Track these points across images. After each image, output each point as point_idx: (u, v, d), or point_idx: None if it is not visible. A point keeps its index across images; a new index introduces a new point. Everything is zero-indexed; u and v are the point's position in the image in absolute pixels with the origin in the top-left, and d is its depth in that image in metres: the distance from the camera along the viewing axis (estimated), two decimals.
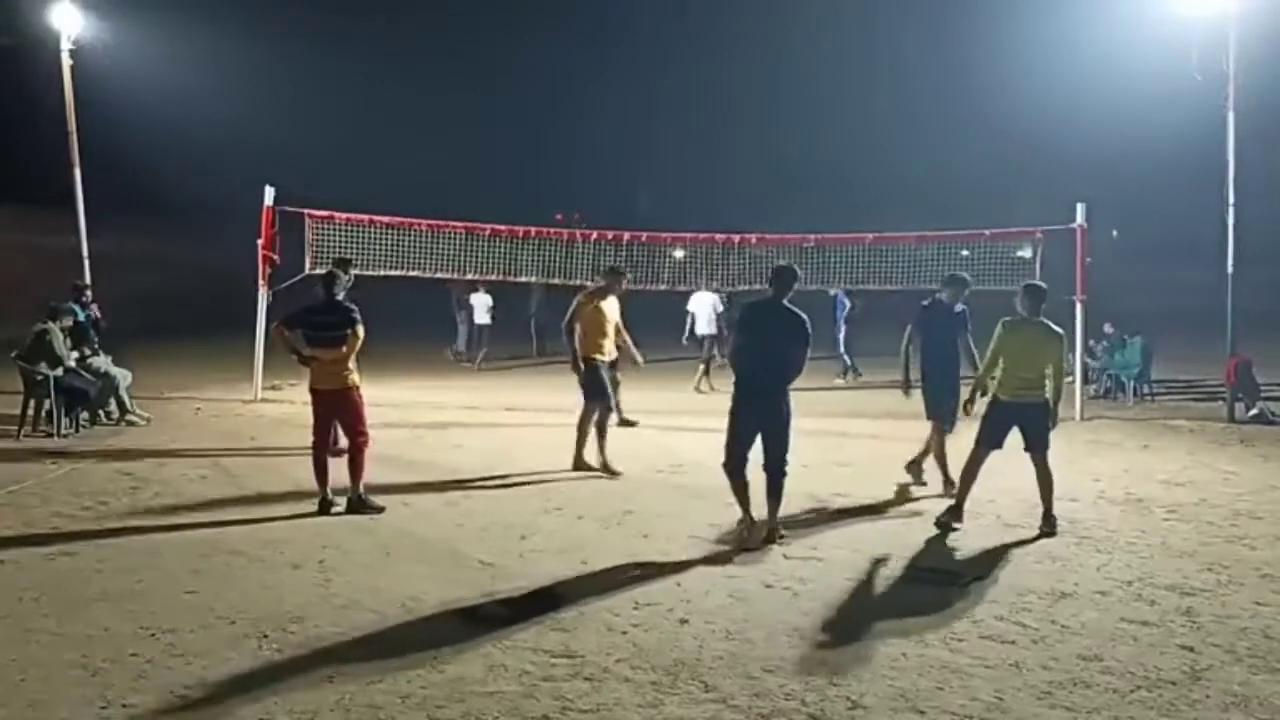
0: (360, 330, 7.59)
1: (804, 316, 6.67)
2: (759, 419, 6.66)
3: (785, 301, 6.75)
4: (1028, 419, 7.08)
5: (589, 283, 17.13)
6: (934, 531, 7.07)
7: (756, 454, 6.75)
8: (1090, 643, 5.01)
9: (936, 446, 8.30)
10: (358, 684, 4.49)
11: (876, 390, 15.53)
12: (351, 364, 7.59)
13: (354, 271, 9.57)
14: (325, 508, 7.43)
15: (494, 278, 15.77)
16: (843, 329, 16.72)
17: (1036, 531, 6.94)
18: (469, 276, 15.55)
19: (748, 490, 6.73)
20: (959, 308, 8.32)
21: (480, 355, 18.94)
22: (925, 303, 8.50)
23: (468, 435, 11.07)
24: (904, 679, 4.55)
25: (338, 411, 7.63)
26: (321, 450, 7.59)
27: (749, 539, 6.63)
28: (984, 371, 7.30)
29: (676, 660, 4.74)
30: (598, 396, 8.83)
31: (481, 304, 18.77)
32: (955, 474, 7.98)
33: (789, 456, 6.70)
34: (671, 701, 4.32)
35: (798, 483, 8.42)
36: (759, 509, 6.76)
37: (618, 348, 9.41)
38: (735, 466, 6.71)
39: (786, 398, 6.66)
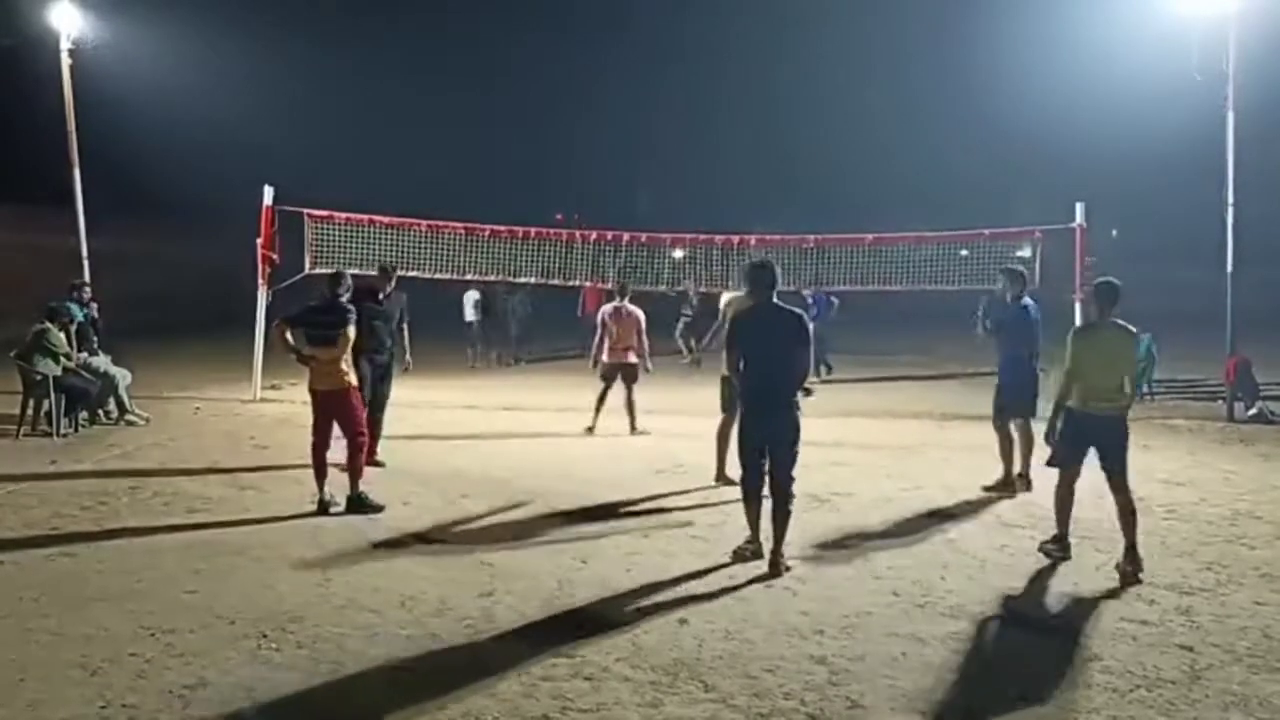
0: (351, 331, 7.57)
1: (800, 312, 6.30)
2: (769, 431, 6.22)
3: (775, 300, 6.34)
4: (1106, 435, 6.16)
5: (587, 283, 17.25)
6: (935, 532, 7.07)
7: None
8: (1090, 643, 5.01)
9: (1002, 444, 8.27)
10: (357, 684, 4.50)
11: (875, 390, 15.55)
12: (346, 364, 7.58)
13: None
14: (324, 508, 7.44)
15: (493, 278, 15.83)
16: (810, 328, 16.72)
17: (1117, 573, 5.97)
18: (466, 276, 15.56)
19: (760, 512, 6.31)
20: (1018, 302, 8.23)
21: (476, 353, 18.94)
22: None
23: (466, 435, 11.06)
24: (904, 679, 4.55)
25: (335, 411, 7.63)
26: (321, 450, 7.59)
27: (745, 551, 6.31)
28: (1063, 392, 6.28)
29: (676, 660, 4.74)
30: (734, 407, 8.56)
31: (470, 301, 18.73)
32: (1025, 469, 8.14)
33: (795, 476, 6.25)
34: (671, 701, 4.32)
35: (797, 482, 8.44)
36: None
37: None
38: (753, 488, 6.30)
39: (797, 406, 6.21)
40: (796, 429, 6.19)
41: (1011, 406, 8.21)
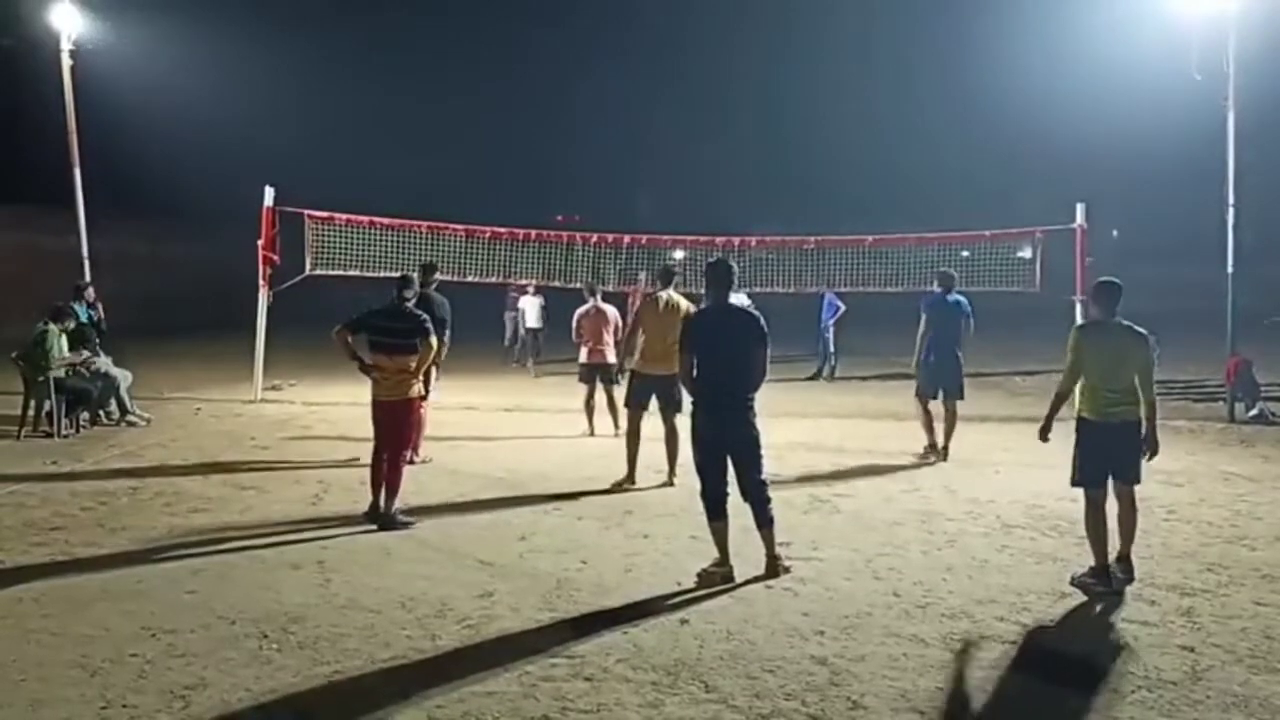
0: (434, 340, 7.21)
1: (757, 314, 6.05)
2: (726, 439, 5.91)
3: (731, 302, 6.13)
4: (1120, 443, 5.83)
5: (641, 295, 17.01)
6: (936, 532, 7.06)
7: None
8: (1091, 643, 5.01)
9: (923, 417, 9.70)
10: (357, 684, 4.49)
11: (875, 391, 15.53)
12: (419, 374, 7.28)
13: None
14: (375, 515, 7.11)
15: (494, 279, 15.80)
16: (830, 330, 16.73)
17: (1119, 579, 5.77)
18: (467, 278, 15.53)
19: (728, 530, 5.93)
20: (946, 296, 9.70)
21: (531, 360, 18.72)
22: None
23: (466, 435, 11.06)
24: (904, 679, 4.54)
25: (393, 421, 7.23)
26: (380, 462, 7.22)
27: (714, 576, 5.84)
28: (1064, 387, 6.04)
29: (676, 660, 4.74)
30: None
31: (533, 307, 18.58)
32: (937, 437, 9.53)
33: (765, 479, 6.01)
34: (671, 701, 4.32)
35: (797, 482, 8.44)
36: (744, 544, 6.04)
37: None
38: (714, 502, 5.90)
39: (754, 411, 5.95)
40: (756, 431, 5.94)
41: (927, 385, 9.61)
